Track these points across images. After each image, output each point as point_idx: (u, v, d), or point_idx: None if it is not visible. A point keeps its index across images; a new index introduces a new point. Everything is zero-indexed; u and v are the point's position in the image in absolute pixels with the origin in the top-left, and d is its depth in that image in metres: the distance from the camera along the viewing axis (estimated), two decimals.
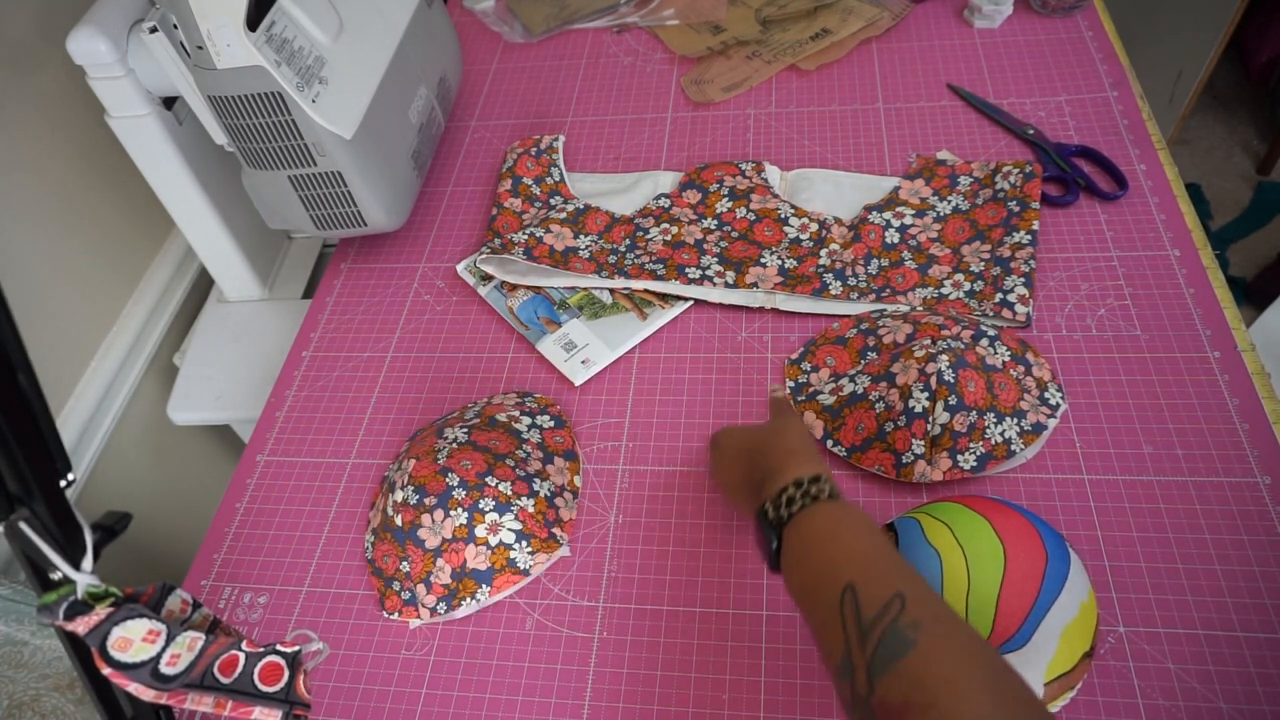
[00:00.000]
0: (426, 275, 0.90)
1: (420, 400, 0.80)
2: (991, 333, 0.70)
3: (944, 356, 0.65)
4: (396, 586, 0.67)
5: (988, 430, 0.65)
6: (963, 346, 0.67)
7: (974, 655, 0.40)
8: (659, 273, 0.82)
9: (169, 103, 0.86)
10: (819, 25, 1.03)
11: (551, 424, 0.74)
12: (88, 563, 0.42)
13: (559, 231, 0.87)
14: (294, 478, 0.77)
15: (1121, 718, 0.55)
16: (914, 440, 0.65)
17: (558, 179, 0.94)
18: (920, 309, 0.76)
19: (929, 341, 0.68)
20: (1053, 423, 0.67)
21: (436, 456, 0.68)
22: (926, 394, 0.65)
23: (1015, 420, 0.66)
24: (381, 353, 0.85)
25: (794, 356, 0.76)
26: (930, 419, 0.65)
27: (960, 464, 0.65)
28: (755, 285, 0.80)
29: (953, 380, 0.65)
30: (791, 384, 0.74)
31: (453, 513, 0.66)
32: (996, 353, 0.68)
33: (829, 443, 0.70)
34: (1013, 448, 0.65)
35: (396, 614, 0.67)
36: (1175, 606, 0.59)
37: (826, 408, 0.71)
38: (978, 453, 0.65)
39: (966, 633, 0.41)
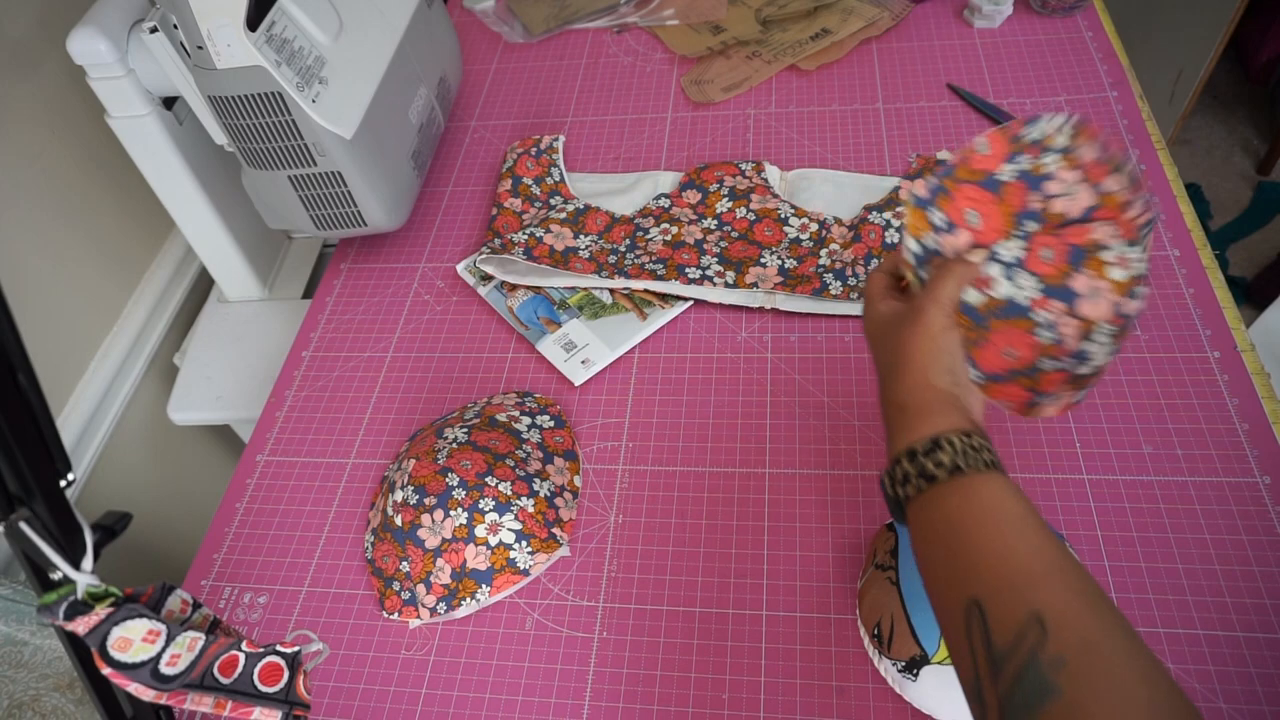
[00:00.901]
0: (426, 275, 0.90)
1: (420, 400, 0.80)
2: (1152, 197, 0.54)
3: (1143, 288, 0.49)
4: (396, 586, 0.67)
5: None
6: (1146, 254, 0.50)
7: (1136, 706, 0.31)
8: (659, 273, 0.82)
9: (169, 103, 0.86)
10: (819, 25, 1.03)
11: (551, 424, 0.74)
12: (88, 563, 0.42)
13: (559, 231, 0.87)
14: (294, 478, 0.77)
15: None
16: (1063, 383, 0.51)
17: (558, 179, 0.94)
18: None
19: (1121, 245, 0.49)
20: None
21: (436, 456, 0.68)
22: (1111, 344, 0.49)
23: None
24: (381, 353, 0.85)
25: (922, 194, 0.52)
26: (1096, 368, 0.50)
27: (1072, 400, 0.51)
28: (755, 285, 0.80)
29: (1135, 319, 0.50)
30: (915, 246, 0.52)
31: (453, 513, 0.66)
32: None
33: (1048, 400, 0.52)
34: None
35: (396, 614, 0.67)
36: (1175, 606, 0.59)
37: (968, 308, 0.51)
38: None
39: (1127, 667, 0.33)
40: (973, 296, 0.51)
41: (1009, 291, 0.50)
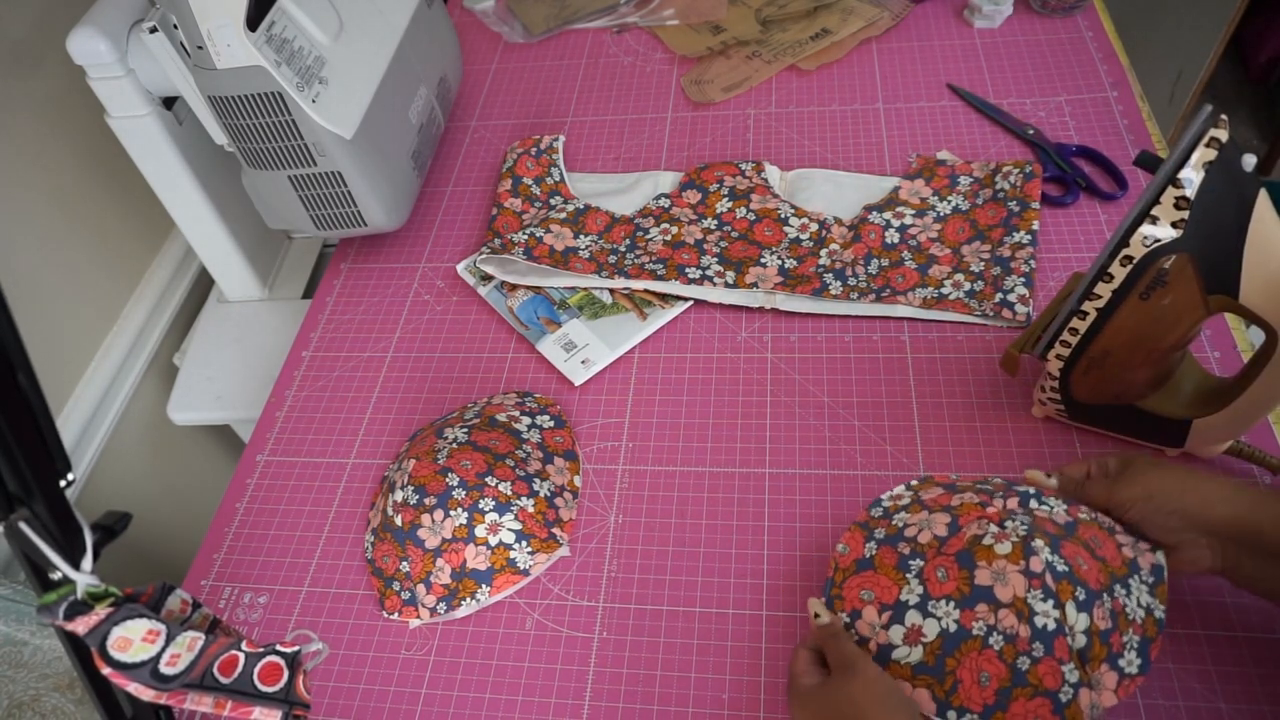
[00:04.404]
0: (426, 275, 0.90)
1: (420, 400, 0.80)
2: (1027, 489, 0.56)
3: (1038, 540, 0.50)
4: (396, 586, 0.67)
5: (1128, 609, 0.51)
6: (1029, 518, 0.52)
7: None
8: (659, 273, 0.82)
9: (169, 103, 0.86)
10: (819, 25, 1.03)
11: (551, 424, 0.74)
12: (87, 563, 0.42)
13: (559, 231, 0.87)
14: (294, 478, 0.77)
15: (1121, 717, 0.55)
16: (1063, 666, 0.49)
17: (558, 179, 0.94)
18: (919, 308, 0.76)
19: (991, 526, 0.52)
20: (1160, 555, 0.54)
21: (436, 456, 0.68)
22: (1050, 600, 0.49)
23: (1137, 577, 0.52)
24: (381, 353, 0.85)
25: (822, 613, 0.56)
26: (1069, 630, 0.49)
27: (1126, 670, 0.50)
28: (755, 285, 0.80)
29: (1067, 568, 0.50)
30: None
31: (452, 513, 0.66)
32: (1054, 508, 0.54)
33: (952, 715, 0.50)
34: (1156, 613, 0.52)
35: (396, 614, 0.67)
36: (1175, 607, 0.59)
37: (918, 666, 0.51)
38: (1134, 643, 0.51)
39: None
40: (916, 654, 0.51)
41: (937, 627, 0.51)
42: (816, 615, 0.56)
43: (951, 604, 0.51)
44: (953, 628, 0.50)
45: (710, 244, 0.84)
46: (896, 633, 0.52)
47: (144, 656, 0.44)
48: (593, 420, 0.76)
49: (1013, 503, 0.54)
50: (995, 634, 0.49)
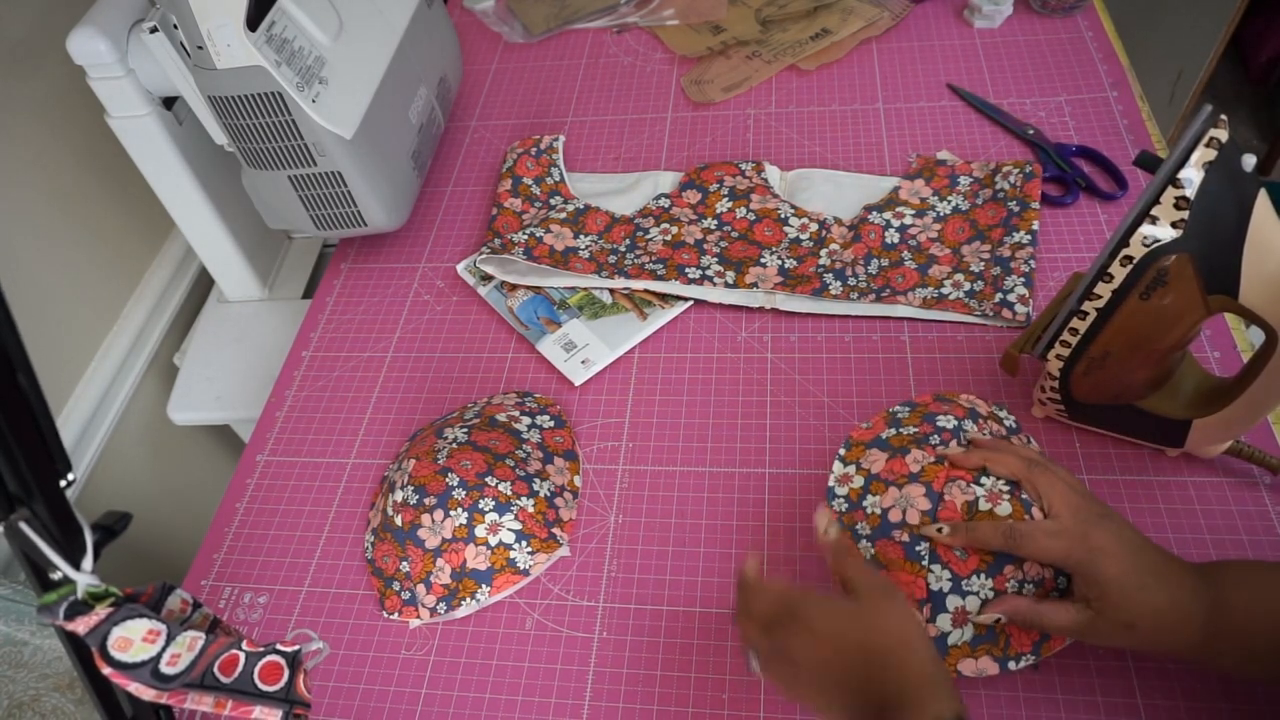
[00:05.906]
0: (426, 275, 0.90)
1: (420, 400, 0.80)
2: (957, 424, 0.60)
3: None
4: (396, 586, 0.67)
5: None
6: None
7: None
8: (659, 273, 0.82)
9: (169, 103, 0.86)
10: (819, 25, 1.03)
11: (551, 424, 0.74)
12: (88, 563, 0.42)
13: (559, 231, 0.87)
14: (294, 478, 0.77)
15: (1121, 717, 0.55)
16: None
17: (558, 179, 0.94)
18: (919, 308, 0.76)
19: (974, 488, 0.55)
20: None
21: (436, 456, 0.68)
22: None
23: None
24: (381, 353, 0.85)
25: (827, 528, 0.55)
26: None
27: None
28: (755, 285, 0.80)
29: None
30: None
31: (452, 513, 0.66)
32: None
33: (1011, 664, 0.54)
34: None
35: (396, 614, 0.67)
36: None
37: (974, 639, 0.54)
38: None
39: None
40: (968, 631, 0.54)
41: (978, 601, 0.53)
42: (825, 531, 0.52)
43: (982, 576, 0.53)
44: (991, 596, 0.53)
45: (710, 244, 0.84)
46: (944, 620, 0.54)
47: (144, 656, 0.44)
48: (593, 420, 0.76)
49: (954, 447, 0.57)
50: (1027, 584, 0.53)
